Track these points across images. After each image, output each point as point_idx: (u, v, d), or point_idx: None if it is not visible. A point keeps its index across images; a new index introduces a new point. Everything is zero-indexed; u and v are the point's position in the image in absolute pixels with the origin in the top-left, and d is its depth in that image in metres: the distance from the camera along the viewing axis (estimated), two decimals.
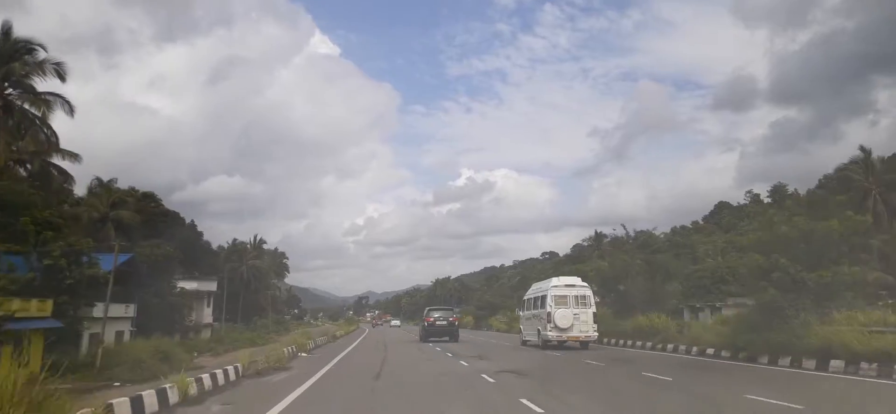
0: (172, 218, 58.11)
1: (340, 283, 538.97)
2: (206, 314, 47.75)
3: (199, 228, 64.08)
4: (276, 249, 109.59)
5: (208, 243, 65.99)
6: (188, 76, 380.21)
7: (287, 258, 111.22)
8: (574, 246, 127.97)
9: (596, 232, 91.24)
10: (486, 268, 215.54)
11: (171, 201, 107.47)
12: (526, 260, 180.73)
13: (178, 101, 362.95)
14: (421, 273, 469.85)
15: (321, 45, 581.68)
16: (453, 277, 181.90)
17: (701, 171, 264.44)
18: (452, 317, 38.58)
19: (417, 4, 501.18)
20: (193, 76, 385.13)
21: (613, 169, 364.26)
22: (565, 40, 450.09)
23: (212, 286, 48.26)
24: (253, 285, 68.17)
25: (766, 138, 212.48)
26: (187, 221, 61.03)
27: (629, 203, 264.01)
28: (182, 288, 37.62)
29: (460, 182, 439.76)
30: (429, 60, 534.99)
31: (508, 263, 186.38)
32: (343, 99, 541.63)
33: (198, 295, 44.64)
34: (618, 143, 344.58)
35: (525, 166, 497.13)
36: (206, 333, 45.95)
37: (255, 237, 75.63)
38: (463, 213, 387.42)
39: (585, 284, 27.30)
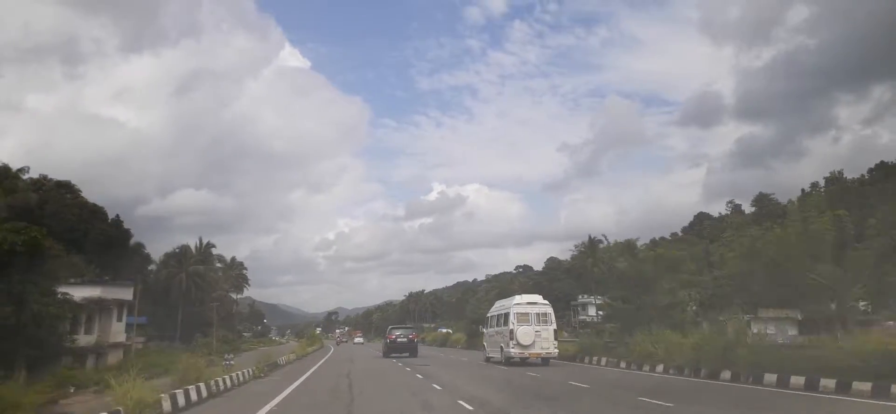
0: (91, 211, 46.46)
1: (310, 298, 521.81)
2: (117, 330, 36.00)
3: (127, 225, 52.29)
4: (233, 258, 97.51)
5: (140, 246, 54.05)
6: (155, 88, 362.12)
7: (245, 269, 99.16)
8: (549, 258, 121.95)
9: (589, 238, 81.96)
10: (458, 283, 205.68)
11: (134, 215, 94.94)
12: (499, 274, 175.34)
13: (145, 112, 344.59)
14: (392, 288, 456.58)
15: (291, 57, 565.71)
16: (427, 290, 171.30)
17: (668, 187, 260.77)
18: (412, 334, 42.53)
19: (388, 18, 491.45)
20: (160, 88, 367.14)
21: (583, 184, 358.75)
22: (534, 57, 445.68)
23: (125, 295, 36.61)
24: (195, 295, 56.28)
25: (732, 154, 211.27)
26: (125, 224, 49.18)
27: (599, 217, 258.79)
28: (66, 295, 26.18)
29: (432, 196, 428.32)
30: (399, 75, 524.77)
31: (480, 277, 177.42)
32: (313, 112, 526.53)
33: (102, 305, 33.00)
34: (587, 158, 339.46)
35: (496, 181, 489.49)
36: (118, 355, 34.44)
37: (200, 240, 63.75)
38: (435, 227, 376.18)
39: (546, 302, 27.12)
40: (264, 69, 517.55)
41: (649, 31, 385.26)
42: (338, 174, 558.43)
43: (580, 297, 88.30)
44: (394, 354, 38.26)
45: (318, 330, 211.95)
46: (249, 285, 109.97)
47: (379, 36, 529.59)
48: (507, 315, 26.50)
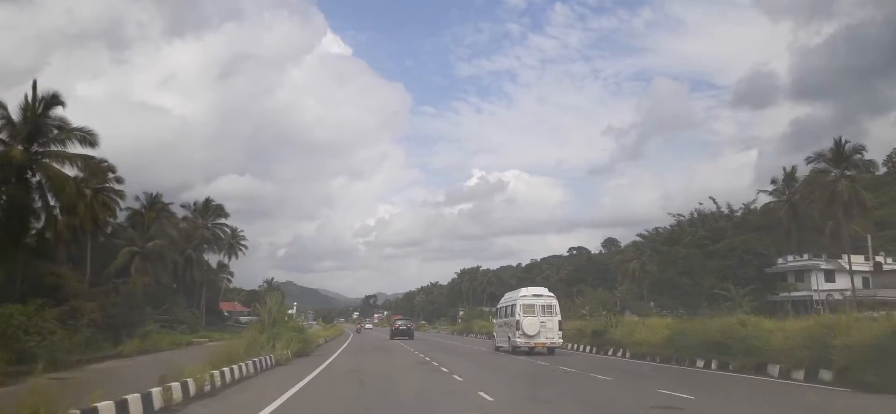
0: None
1: (350, 284, 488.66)
2: None
3: None
4: (207, 200, 60.46)
5: None
6: (199, 74, 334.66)
7: (227, 215, 62.04)
8: (606, 239, 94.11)
9: (837, 143, 41.49)
10: (503, 267, 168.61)
11: (179, 199, 65.29)
12: (550, 257, 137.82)
13: (190, 99, 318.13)
14: (431, 274, 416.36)
15: (333, 44, 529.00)
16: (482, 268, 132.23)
17: (717, 171, 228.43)
18: (411, 323, 57.39)
19: (427, 3, 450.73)
20: (204, 74, 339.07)
21: (628, 168, 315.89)
22: (576, 40, 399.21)
23: None
24: None
25: (786, 136, 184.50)
26: None
27: (644, 202, 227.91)
28: None
29: (471, 183, 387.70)
30: (438, 61, 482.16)
31: (525, 262, 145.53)
32: (355, 99, 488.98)
33: None
34: (633, 142, 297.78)
35: (536, 167, 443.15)
36: None
37: (33, 86, 25.16)
38: (474, 213, 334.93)
39: (552, 294, 26.72)
40: (307, 56, 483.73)
41: (695, 11, 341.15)
42: (378, 161, 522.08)
43: (781, 260, 48.00)
44: (397, 338, 46.71)
45: (356, 314, 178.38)
46: (245, 248, 73.51)
47: (418, 22, 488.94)
48: (513, 307, 26.02)
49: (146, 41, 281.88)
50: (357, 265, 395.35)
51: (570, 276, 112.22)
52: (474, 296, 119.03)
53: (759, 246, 48.23)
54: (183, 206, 56.56)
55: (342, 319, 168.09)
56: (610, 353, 23.75)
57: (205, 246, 57.74)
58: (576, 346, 27.75)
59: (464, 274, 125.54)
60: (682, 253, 52.91)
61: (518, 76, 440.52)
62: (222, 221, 60.02)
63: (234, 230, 70.08)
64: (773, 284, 47.69)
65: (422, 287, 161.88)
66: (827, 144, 42.88)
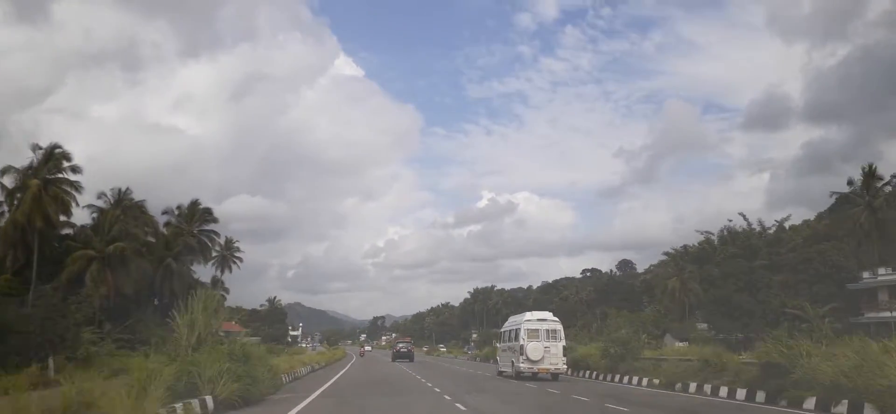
0: None
1: (359, 305, 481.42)
2: None
3: None
4: (193, 203, 53.36)
5: None
6: (213, 94, 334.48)
7: (216, 222, 54.83)
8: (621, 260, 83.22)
9: None
10: (514, 289, 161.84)
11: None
12: (561, 278, 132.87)
13: (203, 120, 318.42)
14: (440, 296, 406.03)
15: (346, 66, 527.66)
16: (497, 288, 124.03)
17: (729, 194, 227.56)
18: (411, 346, 60.60)
19: (439, 26, 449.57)
20: (218, 94, 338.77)
21: (640, 191, 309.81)
22: (587, 63, 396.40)
23: None
24: None
25: (799, 159, 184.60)
26: None
27: (656, 225, 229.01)
28: None
29: (481, 204, 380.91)
30: (449, 82, 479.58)
31: (536, 284, 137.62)
32: (367, 120, 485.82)
33: None
34: (644, 164, 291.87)
35: (547, 189, 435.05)
36: None
37: None
38: (484, 235, 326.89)
39: (556, 318, 26.04)
40: (319, 77, 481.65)
41: (707, 35, 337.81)
42: (389, 182, 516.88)
43: (867, 274, 40.10)
44: (398, 359, 48.46)
45: (363, 336, 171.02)
46: (240, 260, 66.41)
47: (430, 44, 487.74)
48: (517, 331, 25.27)
49: (161, 62, 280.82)
50: (366, 286, 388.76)
51: (590, 297, 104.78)
52: (488, 317, 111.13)
53: (839, 257, 40.33)
54: (165, 211, 49.52)
55: (349, 342, 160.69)
56: (804, 405, 13.36)
57: (189, 255, 50.50)
58: (726, 392, 16.68)
59: (477, 294, 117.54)
60: (743, 266, 44.98)
61: (529, 98, 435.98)
62: (211, 227, 52.79)
63: (228, 240, 63.19)
64: (854, 302, 39.68)
65: (432, 308, 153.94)
66: (838, 167, 35.68)
